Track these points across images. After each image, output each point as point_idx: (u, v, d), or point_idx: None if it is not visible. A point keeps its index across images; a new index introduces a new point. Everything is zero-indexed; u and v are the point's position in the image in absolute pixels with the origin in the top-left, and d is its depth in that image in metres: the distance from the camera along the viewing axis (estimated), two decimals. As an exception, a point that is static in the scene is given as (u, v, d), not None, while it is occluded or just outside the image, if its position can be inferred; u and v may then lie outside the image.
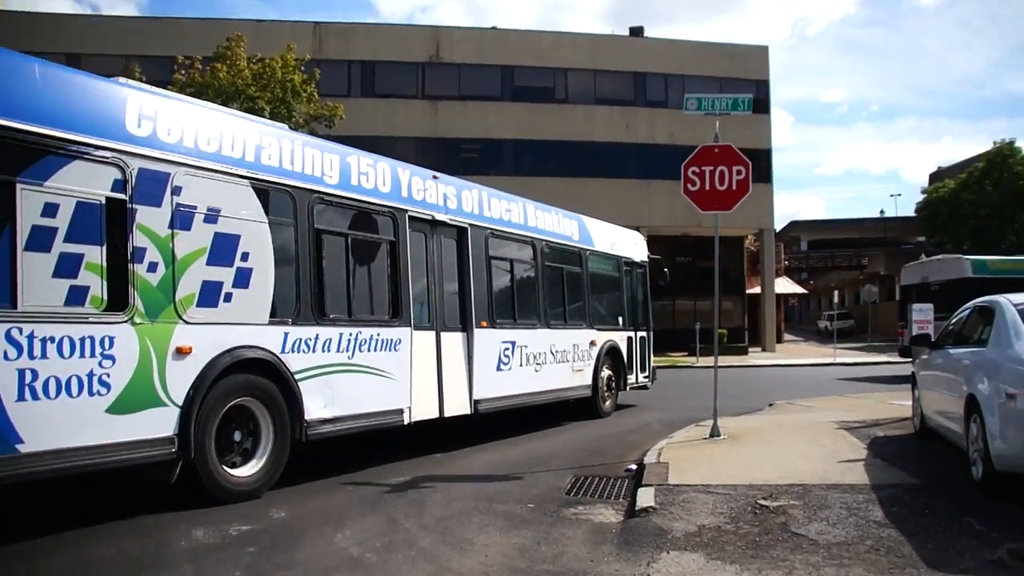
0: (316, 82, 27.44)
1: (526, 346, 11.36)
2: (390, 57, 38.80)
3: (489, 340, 10.54)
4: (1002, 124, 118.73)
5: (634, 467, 8.25)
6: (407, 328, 8.99)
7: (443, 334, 9.73)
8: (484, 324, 10.44)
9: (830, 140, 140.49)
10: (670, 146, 37.03)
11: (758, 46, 46.33)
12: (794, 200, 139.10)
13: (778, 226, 53.14)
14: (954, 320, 9.14)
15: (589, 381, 13.02)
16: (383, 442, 9.52)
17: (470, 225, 10.36)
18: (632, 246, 15.33)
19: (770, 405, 14.02)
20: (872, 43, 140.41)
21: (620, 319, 14.56)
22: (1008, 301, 7.11)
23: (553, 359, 12.03)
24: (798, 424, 11.12)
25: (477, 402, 10.15)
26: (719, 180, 9.81)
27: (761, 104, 42.54)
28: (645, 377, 15.46)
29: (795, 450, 8.74)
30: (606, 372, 13.56)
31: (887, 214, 73.76)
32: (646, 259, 15.69)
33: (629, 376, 14.57)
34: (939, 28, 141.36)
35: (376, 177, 8.87)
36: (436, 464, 8.84)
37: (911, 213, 56.72)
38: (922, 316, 11.41)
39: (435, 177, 10.02)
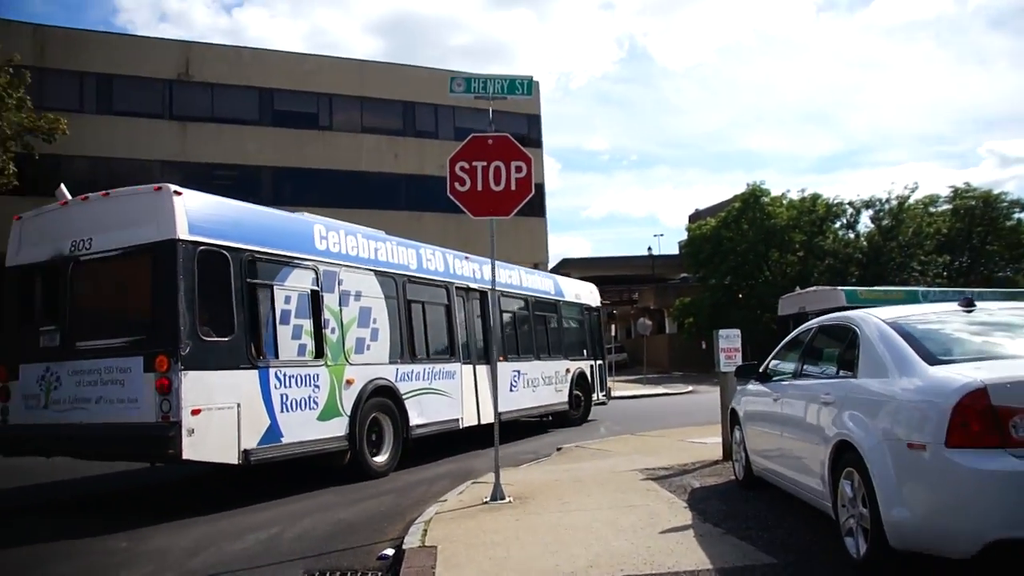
0: (25, 86, 25.28)
1: (527, 373, 16.30)
2: (132, 71, 39.03)
3: (505, 370, 15.31)
4: (740, 175, 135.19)
5: (390, 553, 6.94)
6: (458, 363, 13.80)
7: (477, 366, 14.46)
8: (502, 358, 15.08)
9: (594, 185, 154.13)
10: (441, 178, 36.85)
11: (528, 77, 45.91)
12: (562, 241, 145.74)
13: (550, 264, 56.31)
14: (789, 345, 8.55)
15: (566, 399, 18.55)
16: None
17: (489, 289, 13.72)
18: (590, 294, 20.93)
19: (558, 450, 14.13)
20: (630, 98, 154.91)
21: (584, 351, 19.87)
22: (874, 317, 5.94)
23: (543, 382, 16.95)
24: (597, 476, 11.19)
25: (500, 414, 13.20)
26: (494, 179, 9.28)
27: (534, 139, 42.67)
28: (604, 395, 21.22)
29: (602, 517, 8.35)
30: (576, 392, 19.03)
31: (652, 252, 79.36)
32: (599, 304, 21.50)
33: (592, 395, 19.79)
34: (686, 88, 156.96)
35: (435, 262, 13.71)
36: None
37: (673, 251, 59.76)
38: (729, 344, 9.97)
39: (467, 258, 14.95)
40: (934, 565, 4.75)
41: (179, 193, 8.82)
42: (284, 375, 9.81)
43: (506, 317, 16.37)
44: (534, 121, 46.39)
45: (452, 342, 14.03)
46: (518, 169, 8.23)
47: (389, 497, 9.84)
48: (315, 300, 10.48)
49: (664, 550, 6.23)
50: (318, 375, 10.30)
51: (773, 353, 8.07)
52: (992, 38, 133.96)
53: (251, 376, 9.25)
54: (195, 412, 8.35)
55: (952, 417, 4.34)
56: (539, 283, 18.15)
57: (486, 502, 8.31)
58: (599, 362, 20.76)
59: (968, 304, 5.60)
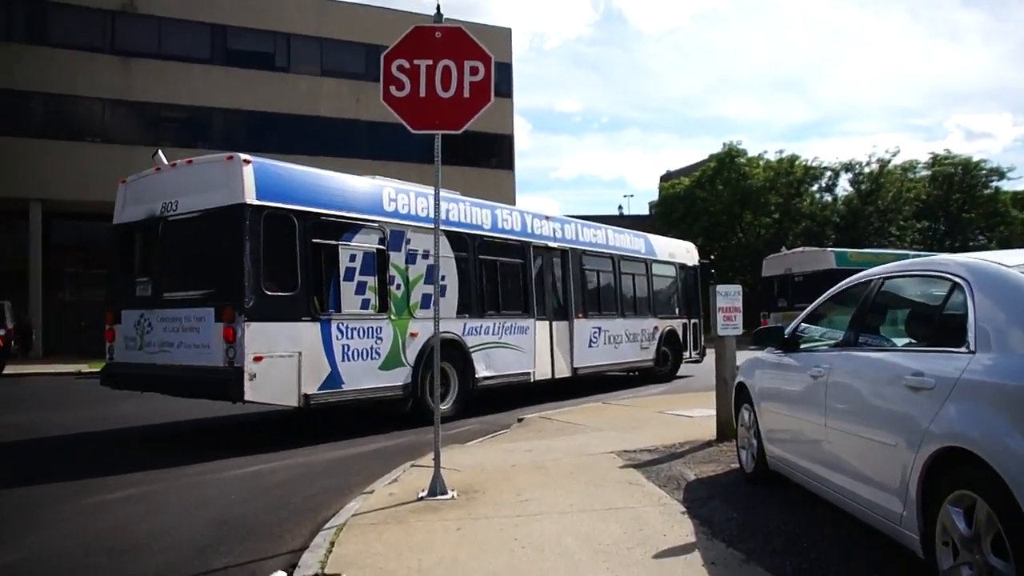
0: None
1: (608, 330, 15.43)
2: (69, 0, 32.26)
3: (584, 327, 14.56)
4: (710, 141, 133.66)
5: None
6: (532, 319, 13.21)
7: (554, 322, 13.81)
8: (580, 315, 14.46)
9: (565, 147, 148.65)
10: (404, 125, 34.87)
11: (501, 27, 42.48)
12: (531, 201, 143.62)
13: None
14: (832, 303, 5.68)
15: (652, 356, 17.16)
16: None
17: (570, 249, 14.43)
18: (686, 253, 19.20)
19: (519, 421, 10.78)
20: (603, 61, 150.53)
21: (676, 310, 18.56)
22: (995, 264, 3.67)
23: (627, 339, 16.10)
24: (566, 460, 7.57)
25: (576, 369, 14.19)
26: (442, 82, 6.22)
27: (504, 90, 40.06)
28: (697, 353, 19.37)
29: (574, 526, 5.14)
30: (664, 349, 17.57)
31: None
32: (697, 263, 19.41)
33: (684, 353, 18.69)
34: (660, 52, 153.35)
35: (512, 222, 13.20)
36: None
37: (644, 212, 58.19)
38: (728, 302, 8.13)
39: (547, 218, 14.17)
40: None
41: (248, 161, 9.07)
42: (346, 327, 9.80)
43: (588, 275, 15.09)
44: (504, 70, 39.85)
45: (526, 299, 13.20)
46: (473, 71, 6.11)
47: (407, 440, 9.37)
48: (381, 258, 10.35)
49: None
50: (381, 328, 10.18)
51: (804, 314, 5.83)
52: (964, 14, 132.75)
53: (313, 328, 9.40)
54: (257, 359, 8.66)
55: None
56: (628, 242, 16.77)
57: (422, 497, 5.87)
58: (694, 320, 19.11)
59: None
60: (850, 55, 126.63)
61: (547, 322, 13.68)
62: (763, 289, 26.03)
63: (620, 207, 77.94)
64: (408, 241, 10.91)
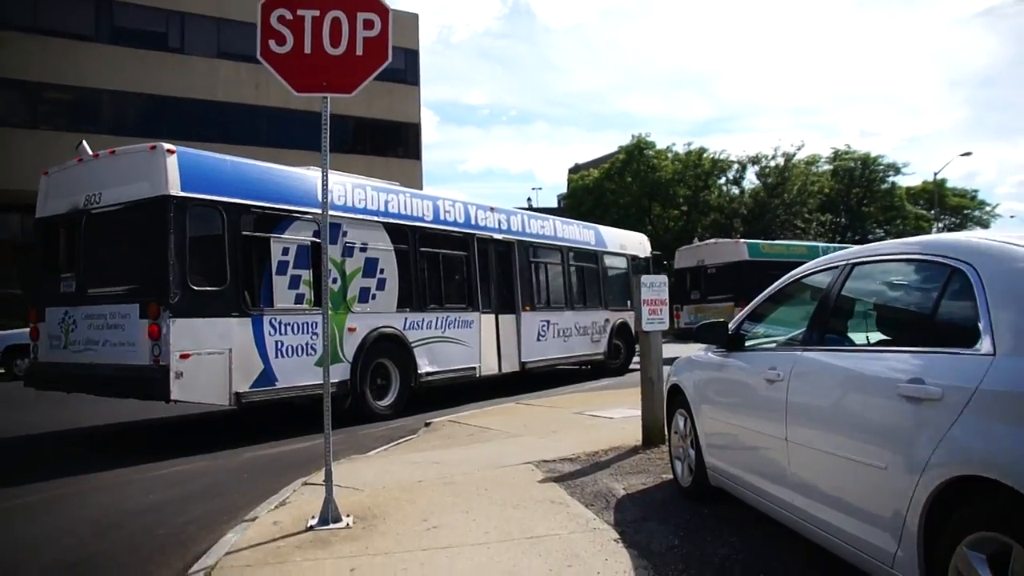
0: None
1: (557, 324, 14.61)
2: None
3: (531, 320, 13.85)
4: (617, 135, 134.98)
5: None
6: (477, 312, 12.61)
7: (500, 316, 13.12)
8: (527, 308, 13.80)
9: (472, 140, 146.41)
10: (308, 112, 31.58)
11: (408, 12, 38.37)
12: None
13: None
14: (781, 295, 4.74)
15: (604, 349, 16.16)
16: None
17: (516, 241, 13.66)
18: (638, 245, 18.22)
19: (426, 426, 9.28)
20: (510, 54, 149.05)
21: (629, 302, 16.68)
22: (1012, 245, 2.84)
23: (577, 332, 15.24)
24: (478, 474, 6.25)
25: (524, 363, 13.48)
26: (331, 37, 5.18)
27: (411, 74, 38.92)
28: None
29: (492, 563, 4.07)
30: (616, 342, 16.53)
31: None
32: (649, 254, 18.33)
33: (635, 345, 17.28)
34: (567, 47, 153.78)
35: (455, 213, 12.57)
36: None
37: (552, 205, 57.77)
38: (653, 294, 7.39)
39: (492, 209, 13.59)
40: None
41: (171, 152, 8.43)
42: (279, 322, 9.13)
43: (535, 267, 14.38)
44: (411, 57, 37.51)
45: (471, 292, 12.46)
46: (368, 24, 5.12)
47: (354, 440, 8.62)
48: (316, 251, 9.58)
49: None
50: (316, 323, 9.45)
51: (750, 307, 4.97)
52: (861, 15, 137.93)
53: (244, 323, 8.80)
54: (184, 356, 8.14)
55: None
56: (577, 233, 16.09)
57: (312, 527, 4.80)
58: None
59: None
60: (752, 54, 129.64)
61: (492, 315, 12.87)
62: (676, 282, 25.25)
63: (528, 199, 77.35)
64: (345, 233, 10.19)
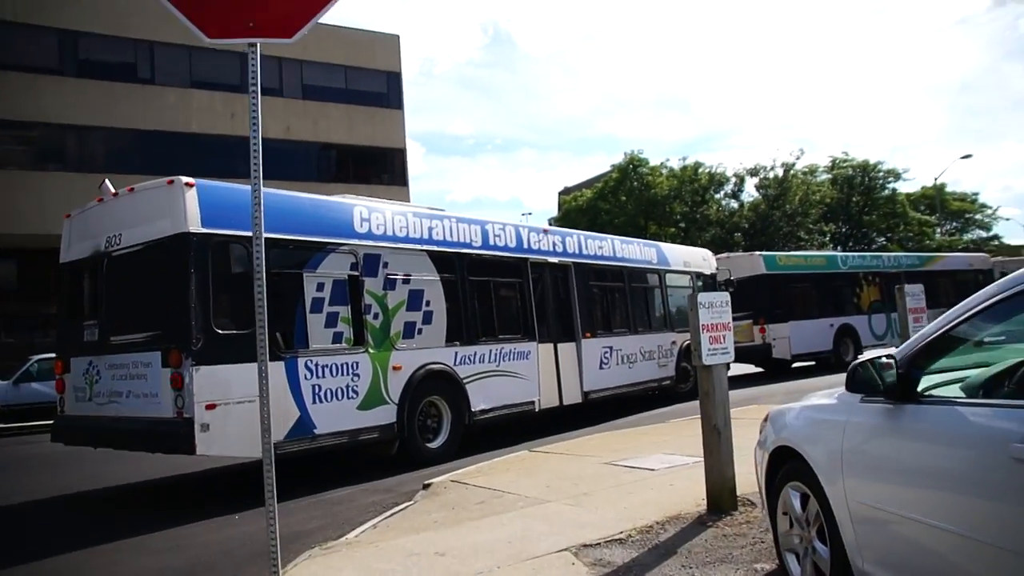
0: None
1: (620, 349, 13.51)
2: None
3: (592, 347, 12.71)
4: (603, 158, 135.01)
5: None
6: (533, 342, 11.32)
7: (559, 344, 11.85)
8: (588, 335, 12.61)
9: (459, 169, 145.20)
10: (286, 141, 29.72)
11: (389, 34, 35.62)
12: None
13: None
14: (974, 325, 3.02)
15: (672, 373, 14.72)
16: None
17: (573, 263, 12.41)
18: (702, 261, 16.97)
19: (425, 488, 7.08)
20: (493, 83, 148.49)
21: None
22: None
23: (642, 358, 14.07)
24: (496, 571, 4.34)
25: (586, 393, 12.20)
26: None
27: (394, 98, 37.43)
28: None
29: None
30: (684, 364, 14.91)
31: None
32: (715, 270, 16.96)
33: None
34: (548, 73, 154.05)
35: (505, 237, 11.42)
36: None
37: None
38: (715, 318, 5.77)
39: (545, 231, 12.52)
40: None
41: (190, 185, 7.65)
42: (316, 364, 8.28)
43: (595, 291, 13.44)
44: (393, 79, 35.14)
45: (526, 321, 11.53)
46: None
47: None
48: (354, 285, 8.81)
49: None
50: (358, 363, 8.75)
51: (919, 337, 3.21)
52: (836, 29, 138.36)
53: (276, 368, 7.84)
54: (209, 407, 7.32)
55: None
56: (638, 252, 15.20)
57: None
58: None
59: None
60: (730, 73, 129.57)
61: (551, 345, 11.82)
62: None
63: (519, 224, 76.18)
64: (385, 264, 9.30)
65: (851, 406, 3.32)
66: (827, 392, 3.75)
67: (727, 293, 6.02)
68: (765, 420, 4.23)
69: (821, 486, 3.39)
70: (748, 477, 4.92)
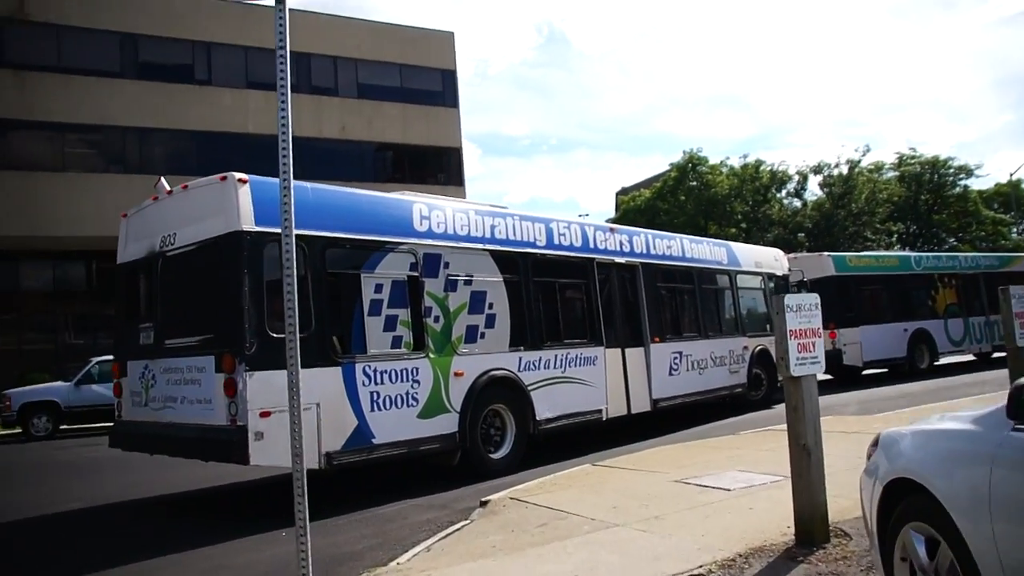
0: None
1: (691, 355, 12.90)
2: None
3: (662, 352, 12.19)
4: (659, 159, 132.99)
5: None
6: (600, 347, 10.89)
7: (626, 349, 11.44)
8: (657, 339, 12.10)
9: (514, 170, 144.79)
10: (341, 141, 29.86)
11: (443, 31, 34.84)
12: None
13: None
14: None
15: (744, 380, 14.10)
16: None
17: (641, 264, 11.90)
18: (774, 262, 16.32)
19: (483, 505, 6.65)
20: (547, 83, 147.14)
21: (768, 325, 14.70)
22: None
23: (713, 363, 13.48)
24: None
25: (655, 401, 11.67)
26: None
27: (450, 96, 37.16)
28: None
29: None
30: (756, 371, 14.45)
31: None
32: (787, 271, 16.32)
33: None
34: (603, 72, 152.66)
35: (571, 236, 10.96)
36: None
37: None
38: (803, 322, 5.26)
39: (611, 229, 12.06)
40: None
41: (243, 181, 7.51)
42: (374, 370, 8.07)
43: (663, 293, 12.98)
44: (448, 77, 35.02)
45: (593, 325, 11.11)
46: None
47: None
48: (414, 286, 8.59)
49: None
50: (418, 369, 8.49)
51: None
52: (896, 23, 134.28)
53: (333, 373, 7.80)
54: (264, 415, 7.15)
55: None
56: (708, 252, 14.72)
57: None
58: None
59: None
60: (789, 68, 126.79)
61: (618, 350, 11.42)
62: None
63: (578, 224, 75.69)
64: (447, 265, 8.99)
65: (1001, 434, 2.82)
66: (953, 415, 3.29)
67: (816, 295, 5.46)
68: (874, 444, 3.72)
69: (957, 529, 2.85)
70: (837, 502, 4.72)
